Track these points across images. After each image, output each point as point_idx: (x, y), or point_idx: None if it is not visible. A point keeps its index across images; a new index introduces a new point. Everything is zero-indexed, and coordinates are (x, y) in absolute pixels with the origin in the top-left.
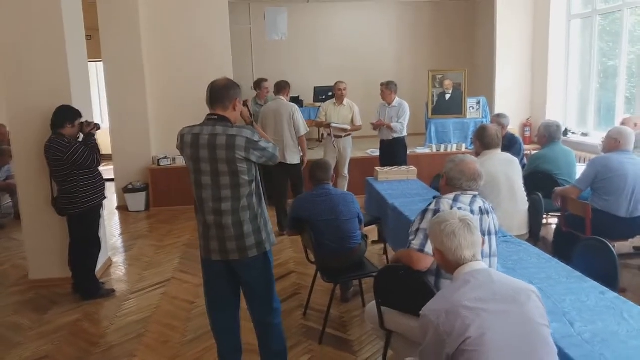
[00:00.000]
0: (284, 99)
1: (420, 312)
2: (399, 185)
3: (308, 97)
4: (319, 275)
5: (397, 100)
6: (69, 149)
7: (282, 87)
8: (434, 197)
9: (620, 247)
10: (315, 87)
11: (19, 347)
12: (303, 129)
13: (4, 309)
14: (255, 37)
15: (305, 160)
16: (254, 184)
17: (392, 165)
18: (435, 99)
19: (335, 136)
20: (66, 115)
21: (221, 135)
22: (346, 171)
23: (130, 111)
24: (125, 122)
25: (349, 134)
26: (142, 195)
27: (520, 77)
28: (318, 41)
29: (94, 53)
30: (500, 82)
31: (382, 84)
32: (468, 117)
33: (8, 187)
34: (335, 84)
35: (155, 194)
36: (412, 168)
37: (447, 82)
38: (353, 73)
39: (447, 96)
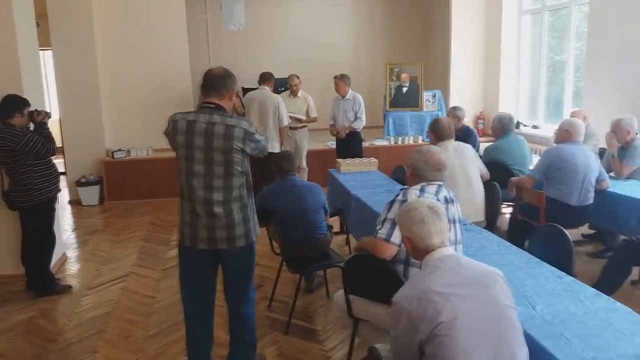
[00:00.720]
0: (268, 89)
1: (392, 299)
2: (360, 176)
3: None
4: (284, 266)
5: (350, 93)
6: (22, 138)
7: (266, 78)
8: (401, 189)
9: (570, 234)
10: (274, 78)
11: None
12: (286, 120)
13: None
14: (211, 26)
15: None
16: (245, 176)
17: (348, 157)
18: (393, 91)
19: (291, 128)
20: (14, 104)
21: (219, 125)
22: (304, 162)
23: (82, 101)
24: (77, 113)
25: (305, 126)
26: (95, 189)
27: (473, 71)
28: (275, 33)
29: (43, 41)
30: (455, 75)
31: (335, 77)
32: (424, 110)
33: None
34: (289, 77)
35: (109, 188)
36: (374, 160)
37: (404, 75)
38: (310, 65)
39: (404, 89)
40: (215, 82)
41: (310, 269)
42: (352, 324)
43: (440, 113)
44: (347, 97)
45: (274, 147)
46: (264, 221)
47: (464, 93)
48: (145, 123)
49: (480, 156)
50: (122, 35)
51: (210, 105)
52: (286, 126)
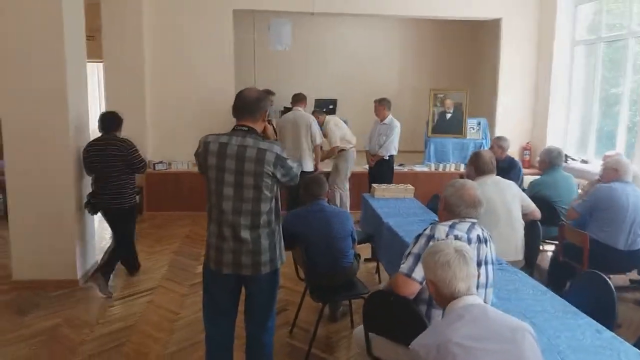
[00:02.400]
0: (301, 110)
1: (410, 346)
2: (395, 203)
3: (308, 109)
4: (307, 292)
5: (389, 118)
6: (131, 147)
7: (299, 99)
8: (431, 223)
9: (617, 279)
10: (315, 99)
11: None
12: (319, 139)
13: None
14: (258, 46)
15: (319, 168)
16: (274, 201)
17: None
18: (436, 117)
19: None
20: (120, 120)
21: (251, 148)
22: (345, 185)
23: (127, 114)
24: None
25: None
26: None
27: (522, 100)
28: (320, 54)
29: (98, 53)
30: (502, 104)
31: (375, 101)
32: (468, 137)
33: None
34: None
35: (149, 198)
36: (410, 187)
37: (448, 102)
38: (354, 87)
39: (448, 115)
40: (250, 105)
41: (334, 298)
42: None
43: (484, 142)
44: (384, 122)
45: (307, 166)
46: (290, 245)
47: (511, 122)
48: (187, 138)
49: (524, 190)
50: (170, 51)
51: (244, 128)
52: (319, 144)
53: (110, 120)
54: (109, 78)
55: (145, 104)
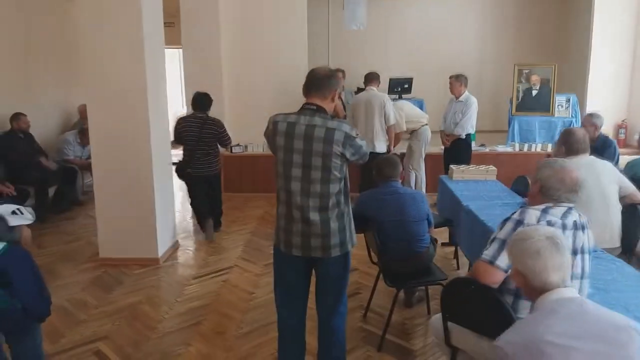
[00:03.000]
0: (375, 89)
1: (495, 342)
2: (475, 185)
3: (382, 89)
4: (381, 276)
5: (465, 95)
6: (221, 128)
7: (372, 78)
8: (520, 206)
9: None
10: (390, 79)
11: (82, 324)
12: (393, 118)
13: (74, 285)
14: (333, 25)
15: (392, 150)
16: (343, 182)
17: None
18: (521, 94)
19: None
20: (210, 101)
21: (320, 127)
22: (422, 167)
23: None
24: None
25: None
26: None
27: (617, 75)
28: (396, 32)
29: (176, 40)
30: (594, 79)
31: (451, 77)
32: (556, 115)
33: (90, 166)
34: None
35: (226, 180)
36: (492, 167)
37: (534, 77)
38: (431, 65)
39: (534, 92)
40: (319, 83)
41: (409, 284)
42: (451, 353)
43: (574, 120)
44: (460, 99)
45: (381, 147)
46: (362, 228)
47: (604, 98)
48: (262, 120)
49: (621, 171)
50: (246, 33)
51: (312, 107)
52: (393, 125)
53: (204, 100)
54: (187, 64)
55: (222, 87)
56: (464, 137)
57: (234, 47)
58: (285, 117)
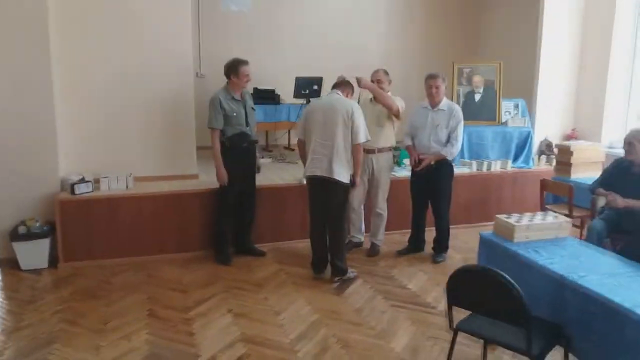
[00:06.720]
0: (340, 94)
1: None
2: (554, 249)
3: (286, 92)
4: None
5: (445, 101)
6: None
7: (342, 84)
8: None
9: None
10: (297, 78)
11: None
12: (363, 135)
13: None
14: (204, 5)
15: (357, 181)
16: None
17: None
18: (462, 99)
19: (367, 150)
20: None
21: None
22: (383, 205)
23: (21, 102)
24: (10, 118)
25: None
26: (44, 244)
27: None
28: (290, 19)
29: None
30: (543, 80)
31: (432, 76)
32: (503, 123)
33: None
34: (374, 72)
35: (66, 242)
36: (565, 221)
37: (477, 79)
38: (335, 60)
39: (477, 96)
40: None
41: None
42: None
43: (530, 131)
44: (440, 107)
45: (341, 175)
46: None
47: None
48: (123, 138)
49: None
50: (84, 21)
51: None
52: (361, 144)
53: None
54: None
55: (53, 97)
56: (451, 159)
57: (69, 44)
58: None
